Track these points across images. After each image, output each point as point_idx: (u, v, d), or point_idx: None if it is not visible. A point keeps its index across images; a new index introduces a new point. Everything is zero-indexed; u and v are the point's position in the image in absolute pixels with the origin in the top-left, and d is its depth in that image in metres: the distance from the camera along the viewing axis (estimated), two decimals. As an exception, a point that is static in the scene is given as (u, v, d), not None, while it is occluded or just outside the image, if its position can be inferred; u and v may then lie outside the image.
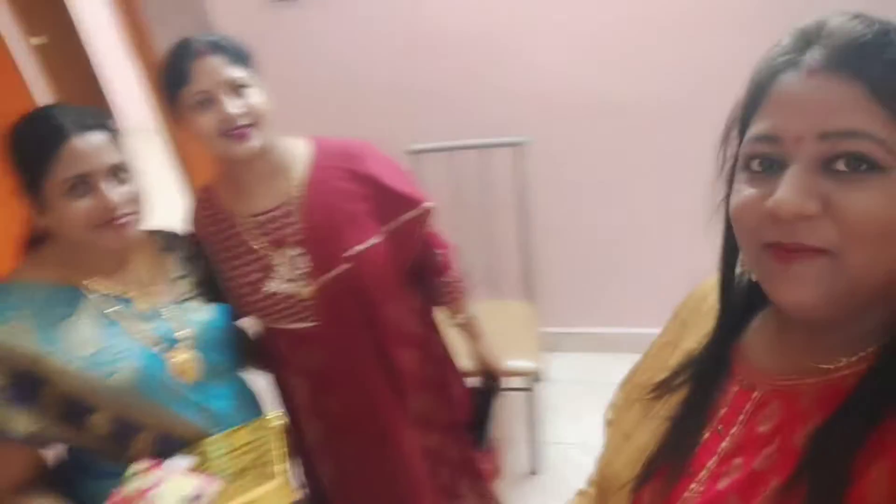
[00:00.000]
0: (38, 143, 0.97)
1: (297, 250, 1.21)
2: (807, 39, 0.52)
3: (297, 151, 1.25)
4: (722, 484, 0.59)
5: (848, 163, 0.49)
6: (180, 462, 1.06)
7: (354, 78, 2.19)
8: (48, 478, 1.07)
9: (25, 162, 0.98)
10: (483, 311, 2.07)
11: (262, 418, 1.14)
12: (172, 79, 1.10)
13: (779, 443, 0.57)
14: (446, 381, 1.50)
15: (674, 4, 1.88)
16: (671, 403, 0.70)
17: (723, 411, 0.64)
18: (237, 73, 1.11)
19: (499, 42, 2.03)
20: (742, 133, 0.57)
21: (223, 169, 1.24)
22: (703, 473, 0.62)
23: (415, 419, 1.39)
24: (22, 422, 0.97)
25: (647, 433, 0.71)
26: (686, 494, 0.63)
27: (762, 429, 0.60)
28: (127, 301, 1.09)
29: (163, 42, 3.29)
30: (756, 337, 0.67)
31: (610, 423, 0.85)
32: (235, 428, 1.14)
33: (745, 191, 0.55)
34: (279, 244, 1.22)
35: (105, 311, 1.05)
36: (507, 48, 2.03)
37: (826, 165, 0.50)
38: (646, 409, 0.74)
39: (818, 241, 0.50)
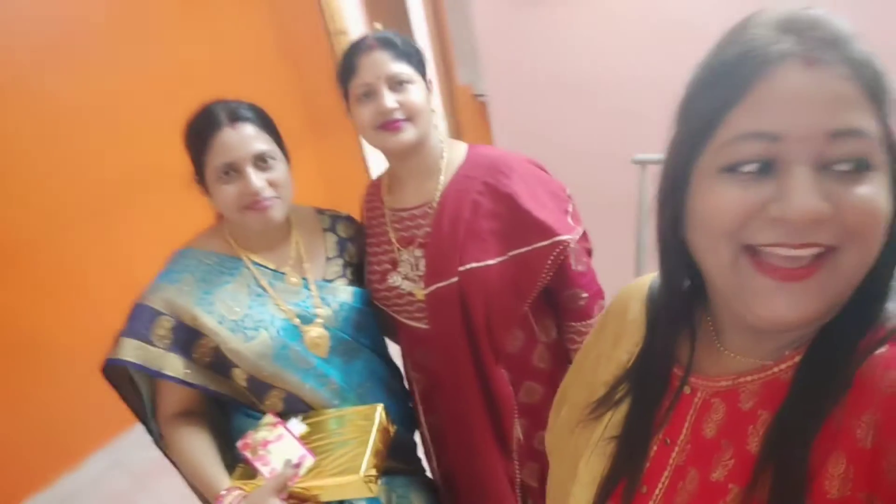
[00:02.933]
0: (197, 134, 1.13)
1: (421, 252, 1.23)
2: (791, 29, 0.49)
3: (453, 156, 1.25)
4: (680, 499, 0.58)
5: (849, 163, 0.47)
6: (298, 427, 1.19)
7: (588, 79, 2.07)
8: (205, 406, 1.26)
9: (191, 150, 1.15)
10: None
11: (370, 408, 1.21)
12: (344, 71, 1.19)
13: (733, 448, 0.55)
14: None
15: None
16: (615, 421, 0.68)
17: (667, 422, 0.63)
18: (400, 68, 1.14)
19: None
20: (704, 131, 0.52)
21: (389, 162, 1.31)
22: (658, 490, 0.61)
23: (518, 450, 1.32)
24: (177, 366, 1.14)
25: (597, 456, 0.68)
26: None
27: (708, 434, 0.58)
28: (280, 274, 1.23)
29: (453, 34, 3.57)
30: (686, 343, 0.64)
31: (552, 452, 0.83)
32: (350, 409, 1.23)
33: (726, 193, 0.50)
34: (408, 242, 1.25)
35: (258, 283, 1.21)
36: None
37: (827, 165, 0.47)
38: (589, 430, 0.72)
39: (826, 238, 0.47)
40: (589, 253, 1.31)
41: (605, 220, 2.21)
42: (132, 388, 1.22)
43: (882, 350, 0.49)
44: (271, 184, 1.15)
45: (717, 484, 0.55)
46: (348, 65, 1.17)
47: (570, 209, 1.25)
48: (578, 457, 0.72)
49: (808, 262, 0.48)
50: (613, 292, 2.06)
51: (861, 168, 0.47)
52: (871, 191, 0.46)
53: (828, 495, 0.47)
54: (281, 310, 1.21)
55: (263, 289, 1.21)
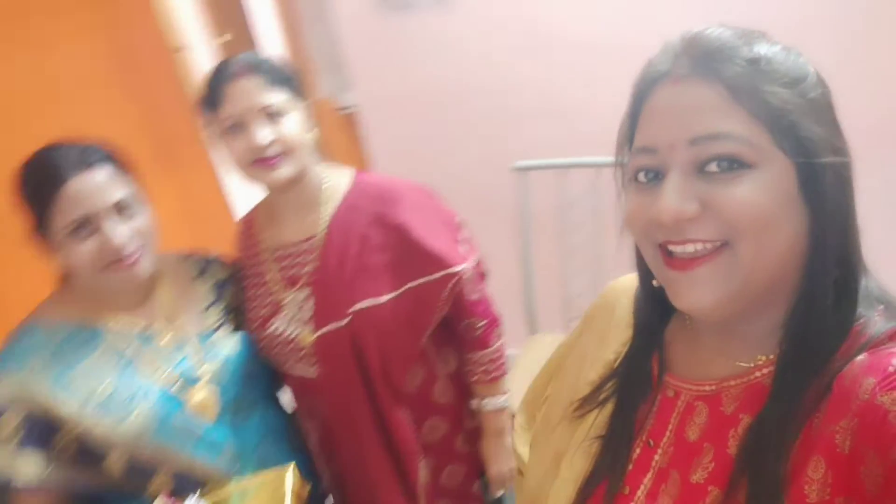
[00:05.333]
0: (38, 186, 0.96)
1: (306, 292, 1.14)
2: (673, 51, 0.55)
3: (337, 184, 1.16)
4: (662, 501, 0.59)
5: (719, 164, 0.51)
6: None
7: (462, 88, 2.06)
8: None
9: (30, 204, 0.97)
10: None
11: (278, 475, 1.09)
12: (208, 100, 1.06)
13: (713, 451, 0.56)
14: (478, 459, 1.33)
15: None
16: (600, 421, 0.69)
17: (650, 423, 0.64)
18: (273, 98, 1.04)
19: (623, 50, 1.77)
20: (628, 147, 0.60)
21: (266, 194, 1.20)
22: (640, 491, 0.61)
23: (426, 491, 1.26)
24: (34, 467, 0.96)
25: (581, 455, 0.69)
26: None
27: (691, 437, 0.59)
28: (148, 337, 1.08)
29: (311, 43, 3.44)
30: (673, 343, 0.67)
31: (530, 446, 0.82)
32: (255, 479, 1.10)
33: (632, 201, 0.58)
34: (293, 282, 1.16)
35: (123, 351, 1.05)
36: (631, 58, 1.77)
37: (700, 168, 0.52)
38: (572, 428, 0.72)
39: (706, 234, 0.52)
40: (483, 277, 1.28)
41: (489, 228, 2.22)
42: None
43: (861, 357, 0.50)
44: (137, 233, 1.01)
45: (698, 486, 0.56)
46: (213, 93, 1.05)
47: (463, 237, 1.21)
48: (560, 455, 0.72)
49: (700, 253, 0.53)
50: (500, 298, 2.03)
51: (734, 167, 0.50)
52: (743, 189, 0.50)
53: (806, 499, 0.48)
54: (155, 377, 1.06)
55: (132, 356, 1.05)
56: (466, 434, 1.30)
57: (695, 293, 0.53)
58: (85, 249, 0.97)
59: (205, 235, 1.28)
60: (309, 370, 1.17)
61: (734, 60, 0.51)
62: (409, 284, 1.12)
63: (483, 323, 1.21)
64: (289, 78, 1.08)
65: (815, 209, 0.52)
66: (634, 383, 0.67)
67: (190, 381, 1.08)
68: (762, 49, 0.52)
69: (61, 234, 0.96)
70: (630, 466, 0.63)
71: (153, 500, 1.03)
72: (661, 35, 0.56)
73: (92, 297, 1.06)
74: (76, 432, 0.99)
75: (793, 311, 0.55)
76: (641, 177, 0.56)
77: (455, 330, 1.23)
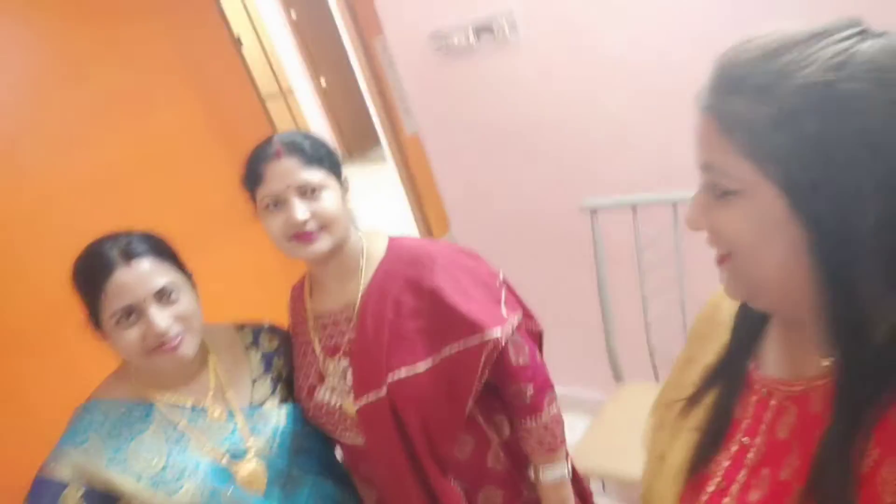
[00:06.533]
0: (87, 280, 1.03)
1: (346, 361, 1.13)
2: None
3: (373, 251, 1.17)
4: (753, 496, 0.61)
5: (714, 189, 0.57)
6: None
7: (526, 127, 2.01)
8: None
9: (83, 294, 1.04)
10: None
11: None
12: (249, 178, 1.11)
13: (799, 450, 0.58)
14: None
15: None
16: (698, 415, 0.72)
17: (745, 423, 0.66)
18: (311, 175, 1.07)
19: (688, 81, 1.65)
20: None
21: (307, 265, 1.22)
22: (734, 487, 0.64)
23: None
24: None
25: (680, 449, 0.72)
26: None
27: (782, 436, 0.61)
28: (201, 410, 1.12)
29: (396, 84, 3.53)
30: (767, 346, 0.68)
31: (646, 449, 0.85)
32: None
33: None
34: (334, 351, 1.16)
35: (175, 425, 1.10)
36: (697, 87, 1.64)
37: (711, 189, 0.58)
38: (675, 428, 0.75)
39: (716, 245, 0.59)
40: (535, 337, 1.21)
41: (564, 266, 2.14)
42: None
43: None
44: (178, 318, 1.06)
45: (785, 483, 0.58)
46: (254, 173, 1.10)
47: (504, 297, 1.15)
48: (664, 453, 0.76)
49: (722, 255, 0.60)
50: (582, 341, 1.90)
51: (725, 194, 0.55)
52: (729, 213, 0.56)
53: (880, 500, 0.49)
54: (205, 451, 1.10)
55: (183, 431, 1.10)
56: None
57: (725, 287, 0.62)
58: (131, 336, 1.02)
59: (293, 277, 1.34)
60: (357, 438, 1.16)
61: (727, 96, 0.54)
62: (446, 351, 1.08)
63: (532, 389, 1.14)
64: (325, 156, 1.11)
65: (812, 229, 0.51)
66: (732, 383, 0.70)
67: (237, 455, 1.11)
68: (777, 72, 0.50)
69: (109, 322, 1.03)
70: (727, 463, 0.66)
71: None
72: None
73: (146, 376, 1.12)
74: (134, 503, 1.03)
75: (824, 317, 0.55)
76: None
77: (504, 396, 1.17)
